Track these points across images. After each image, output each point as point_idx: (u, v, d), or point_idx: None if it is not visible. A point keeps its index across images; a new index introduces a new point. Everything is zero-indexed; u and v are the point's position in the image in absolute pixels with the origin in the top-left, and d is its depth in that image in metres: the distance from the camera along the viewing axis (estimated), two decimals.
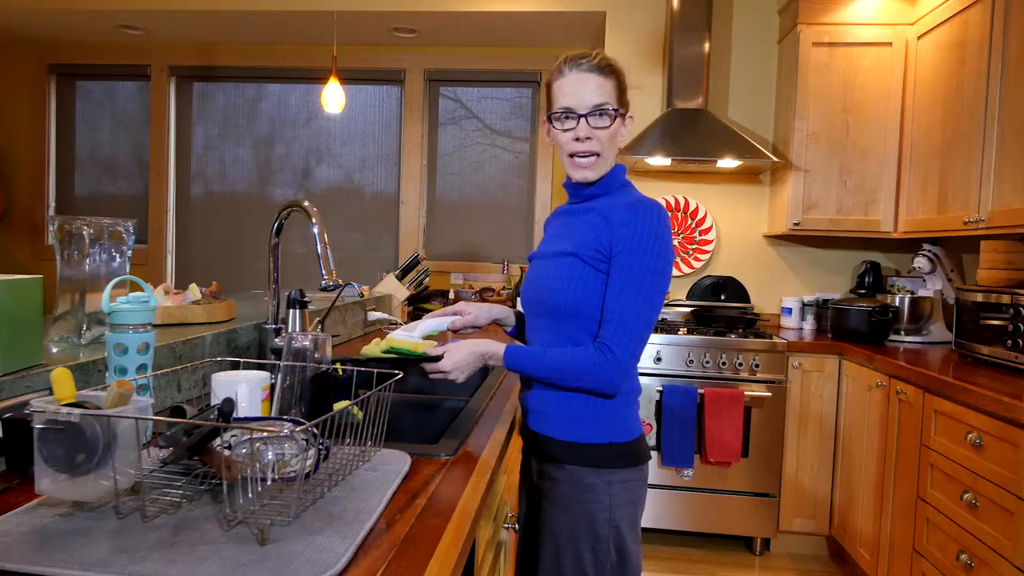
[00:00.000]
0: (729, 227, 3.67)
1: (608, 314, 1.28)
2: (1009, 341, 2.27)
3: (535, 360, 1.33)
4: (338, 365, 1.35)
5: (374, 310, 2.91)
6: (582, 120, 1.33)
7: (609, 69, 1.34)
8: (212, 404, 1.03)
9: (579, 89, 1.33)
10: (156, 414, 1.33)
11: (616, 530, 1.34)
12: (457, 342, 1.39)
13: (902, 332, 3.07)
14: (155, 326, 1.66)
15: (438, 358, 1.36)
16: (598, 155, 1.35)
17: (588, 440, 1.36)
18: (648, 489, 3.05)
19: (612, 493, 1.34)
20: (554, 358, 1.31)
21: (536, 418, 1.42)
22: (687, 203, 3.64)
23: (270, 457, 0.97)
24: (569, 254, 1.35)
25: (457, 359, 1.36)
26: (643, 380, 3.03)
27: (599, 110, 1.33)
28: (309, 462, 0.97)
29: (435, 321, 1.51)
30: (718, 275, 3.63)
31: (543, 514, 1.40)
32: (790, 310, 3.47)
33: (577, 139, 1.34)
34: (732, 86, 3.63)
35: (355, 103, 4.48)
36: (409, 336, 1.42)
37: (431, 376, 1.38)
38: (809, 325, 3.47)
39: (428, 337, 1.45)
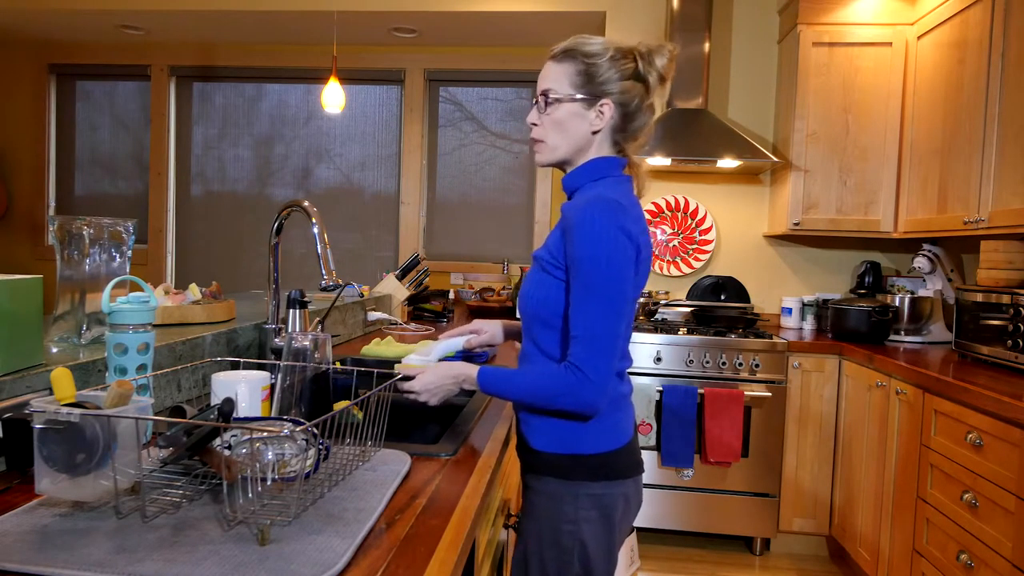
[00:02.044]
0: (729, 227, 3.67)
1: (575, 330, 1.22)
2: (1009, 341, 2.27)
3: (508, 383, 1.27)
4: (338, 364, 1.35)
5: (374, 310, 2.91)
6: (533, 106, 1.35)
7: (568, 54, 1.31)
8: (212, 404, 1.03)
9: (540, 76, 1.36)
10: (156, 414, 1.33)
11: (581, 544, 1.31)
12: (432, 364, 1.36)
13: (902, 332, 3.07)
14: (155, 326, 1.66)
15: (411, 378, 1.32)
16: (542, 142, 1.35)
17: (557, 451, 1.32)
18: (648, 489, 3.06)
19: (579, 506, 1.31)
20: (525, 380, 1.26)
21: (521, 424, 1.42)
22: (687, 203, 3.64)
23: (270, 457, 0.97)
24: (536, 258, 1.35)
25: (427, 380, 1.32)
26: (643, 380, 3.03)
27: (542, 95, 1.33)
28: (309, 462, 0.97)
29: (451, 341, 1.48)
30: (718, 275, 3.63)
31: (520, 518, 1.41)
32: (790, 310, 3.47)
33: (529, 123, 1.37)
34: (732, 86, 3.63)
35: (355, 103, 4.48)
36: (425, 360, 1.39)
37: (406, 397, 1.34)
38: (809, 325, 3.47)
39: (445, 359, 1.42)
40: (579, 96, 1.30)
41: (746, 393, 2.95)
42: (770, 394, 2.97)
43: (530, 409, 1.35)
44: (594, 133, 1.33)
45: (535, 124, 1.35)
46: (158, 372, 1.14)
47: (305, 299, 1.73)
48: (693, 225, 3.65)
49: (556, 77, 1.31)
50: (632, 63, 1.31)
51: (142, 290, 1.19)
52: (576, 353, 1.21)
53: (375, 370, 1.30)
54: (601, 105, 1.30)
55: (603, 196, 1.24)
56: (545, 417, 1.34)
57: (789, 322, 3.47)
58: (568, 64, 1.30)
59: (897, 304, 3.06)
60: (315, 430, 0.99)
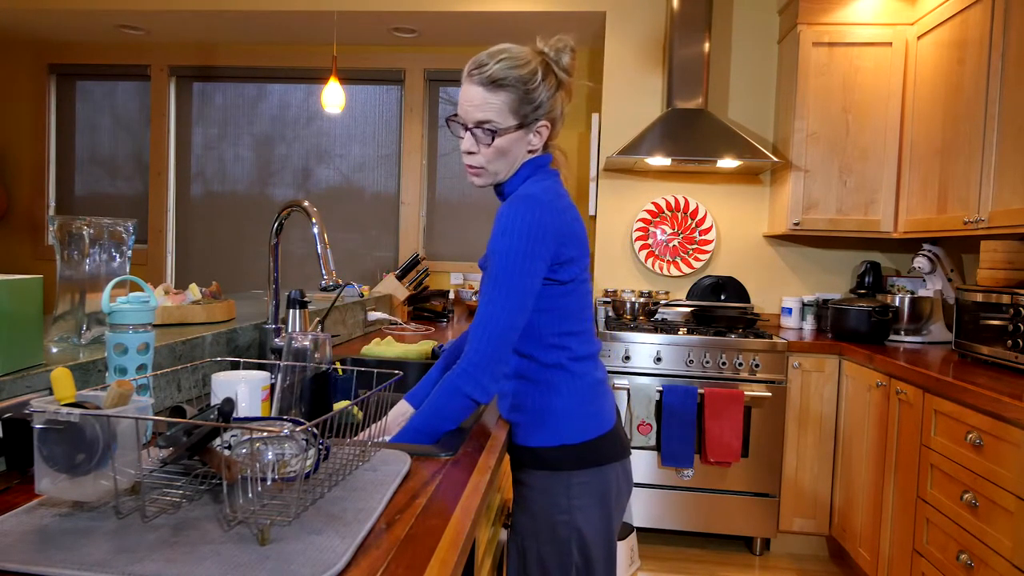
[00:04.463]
0: (729, 227, 3.67)
1: (476, 316, 1.27)
2: (1009, 341, 2.27)
3: (408, 428, 1.28)
4: (338, 364, 1.35)
5: (374, 310, 2.91)
6: (468, 133, 1.33)
7: (500, 83, 1.28)
8: (212, 404, 1.03)
9: (467, 100, 1.31)
10: (156, 414, 1.33)
11: (578, 533, 1.33)
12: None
13: (902, 332, 3.07)
14: (155, 326, 1.66)
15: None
16: (483, 168, 1.34)
17: (540, 444, 1.34)
18: (648, 489, 3.06)
19: (571, 496, 1.33)
20: (421, 411, 1.28)
21: (510, 424, 1.43)
22: (687, 203, 3.64)
23: (270, 457, 0.97)
24: (481, 266, 1.38)
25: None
26: (643, 380, 3.03)
27: (480, 127, 1.30)
28: (309, 462, 0.97)
29: None
30: (718, 275, 3.63)
31: (513, 516, 1.42)
32: (790, 310, 3.47)
33: (465, 151, 1.35)
34: (732, 86, 3.63)
35: (355, 103, 4.48)
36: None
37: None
38: (809, 325, 3.47)
39: None
40: (520, 123, 1.32)
41: (746, 393, 2.95)
42: (770, 394, 2.97)
43: (513, 405, 1.36)
44: (531, 152, 1.37)
45: (472, 152, 1.33)
46: (158, 372, 1.14)
47: (305, 299, 1.73)
48: (693, 225, 3.65)
49: (494, 108, 1.29)
50: (552, 75, 1.33)
51: (142, 290, 1.19)
52: (470, 337, 1.27)
53: (375, 370, 1.30)
54: (539, 127, 1.34)
55: (523, 194, 1.28)
56: (528, 411, 1.36)
57: (789, 322, 3.47)
58: (504, 93, 1.29)
59: (897, 304, 3.06)
60: (315, 430, 0.99)
